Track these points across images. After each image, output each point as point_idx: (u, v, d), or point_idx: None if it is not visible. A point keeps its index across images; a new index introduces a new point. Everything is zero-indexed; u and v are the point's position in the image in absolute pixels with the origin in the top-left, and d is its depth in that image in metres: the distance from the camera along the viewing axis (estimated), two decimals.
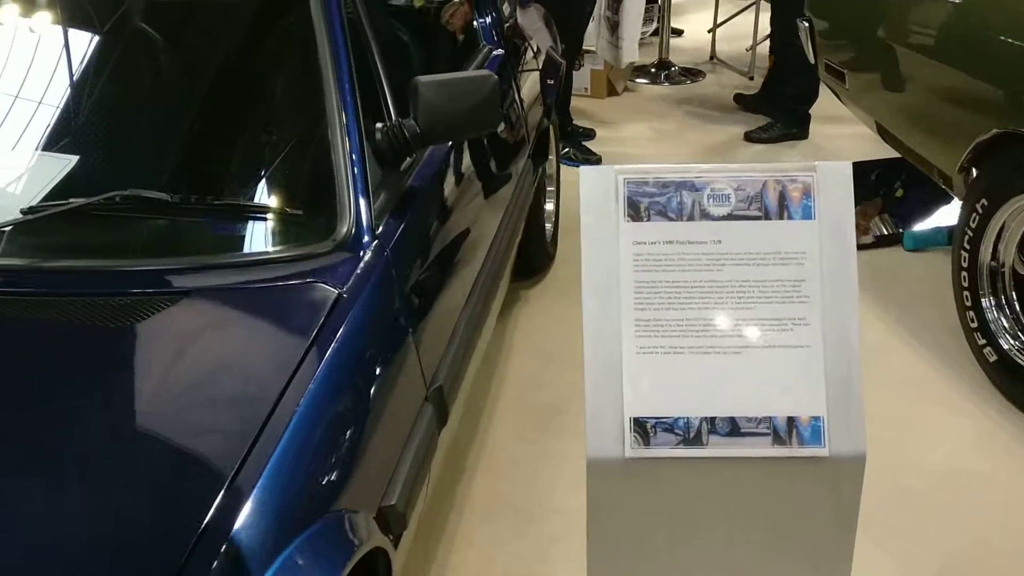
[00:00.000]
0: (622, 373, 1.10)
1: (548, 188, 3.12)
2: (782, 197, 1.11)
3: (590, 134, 4.38)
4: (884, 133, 3.06)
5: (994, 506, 2.13)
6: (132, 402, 1.19)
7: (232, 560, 1.01)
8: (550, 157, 2.97)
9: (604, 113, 4.82)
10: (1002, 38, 2.39)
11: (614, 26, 4.52)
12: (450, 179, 1.91)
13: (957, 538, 2.03)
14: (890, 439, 2.21)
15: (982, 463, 2.27)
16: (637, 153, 4.33)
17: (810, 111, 4.38)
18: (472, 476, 2.25)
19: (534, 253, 2.99)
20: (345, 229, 1.45)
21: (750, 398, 1.09)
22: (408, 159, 1.71)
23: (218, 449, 1.11)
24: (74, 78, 1.65)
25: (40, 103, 1.61)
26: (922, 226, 3.41)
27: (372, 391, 1.37)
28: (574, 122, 4.33)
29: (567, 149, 4.03)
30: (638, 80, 5.44)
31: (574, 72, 4.30)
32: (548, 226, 3.16)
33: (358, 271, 1.42)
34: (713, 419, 1.10)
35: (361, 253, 1.45)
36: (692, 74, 5.54)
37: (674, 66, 5.54)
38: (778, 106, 4.45)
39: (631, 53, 4.59)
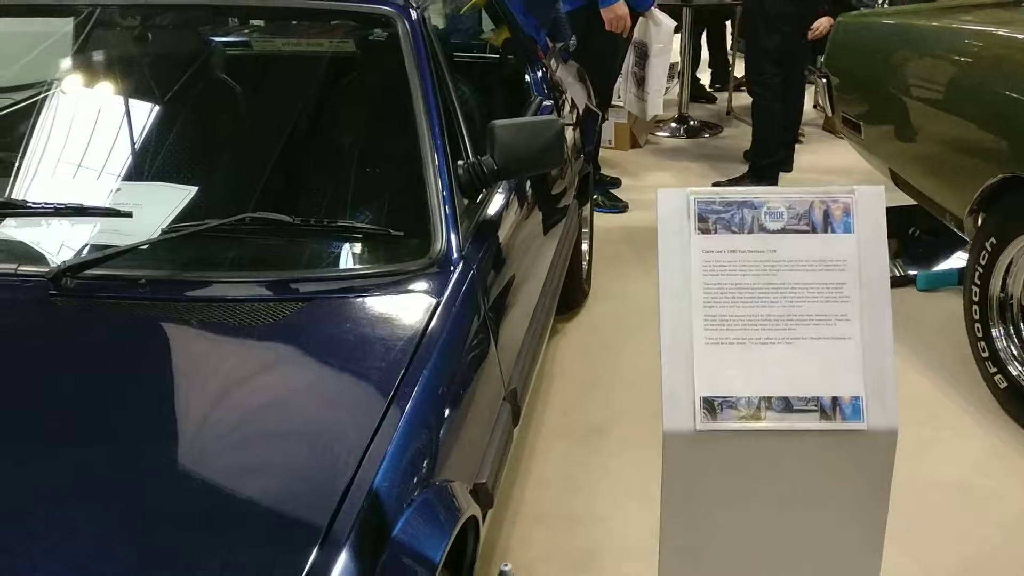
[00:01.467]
0: (693, 360, 1.32)
1: (583, 229, 3.37)
2: (826, 214, 1.33)
3: (616, 183, 4.64)
4: (898, 180, 3.31)
5: (1005, 518, 2.33)
6: (276, 388, 1.41)
7: (374, 510, 1.21)
8: (588, 200, 3.22)
9: (627, 164, 5.09)
10: (1005, 92, 2.64)
11: (640, 81, 4.82)
12: (516, 212, 2.15)
13: (971, 545, 2.23)
14: (909, 458, 2.41)
15: (993, 480, 2.47)
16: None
17: (784, 166, 4.66)
18: (524, 485, 2.45)
19: (571, 289, 3.21)
20: (439, 248, 1.68)
21: (800, 381, 1.31)
22: (483, 192, 1.94)
23: (352, 425, 1.32)
24: (210, 121, 1.89)
25: (174, 138, 1.85)
26: (934, 268, 3.64)
27: (466, 385, 1.58)
28: (601, 171, 4.59)
29: (596, 196, 4.28)
30: (659, 133, 5.74)
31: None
32: (583, 264, 3.40)
33: (450, 285, 1.65)
34: (770, 398, 1.31)
35: (452, 269, 1.68)
36: (710, 128, 5.83)
37: (693, 120, 5.83)
38: (750, 161, 4.74)
39: (656, 107, 4.88)
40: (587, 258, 3.45)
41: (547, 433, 2.69)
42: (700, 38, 6.45)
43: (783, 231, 1.34)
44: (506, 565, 1.78)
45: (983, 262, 2.74)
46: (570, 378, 2.98)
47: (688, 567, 1.44)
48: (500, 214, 2.01)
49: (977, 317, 2.78)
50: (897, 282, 3.59)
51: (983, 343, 2.77)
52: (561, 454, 2.59)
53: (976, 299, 2.77)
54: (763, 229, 1.34)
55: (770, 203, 1.34)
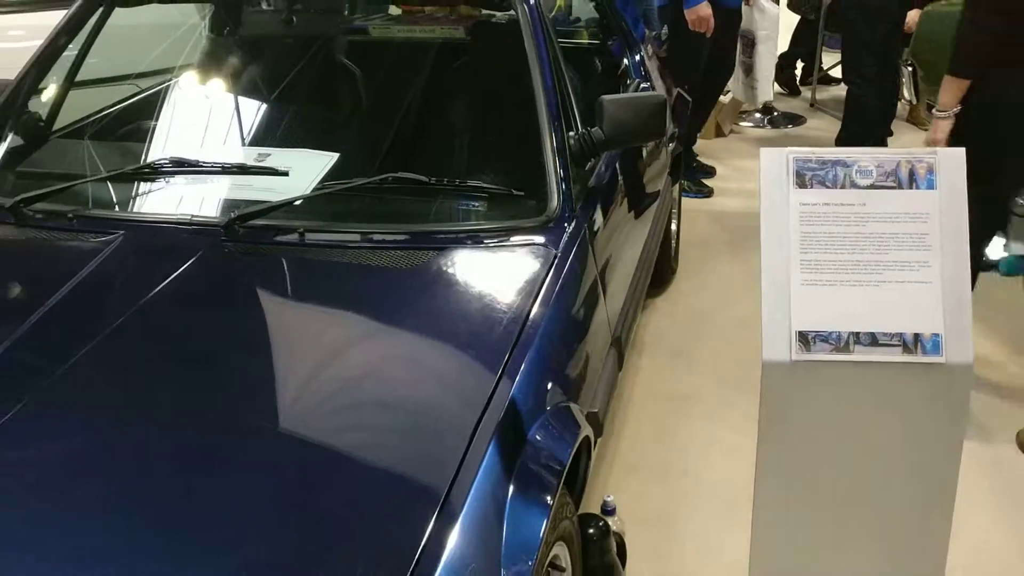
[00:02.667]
0: (790, 298, 1.50)
1: (672, 209, 3.54)
2: (912, 172, 1.50)
3: (711, 172, 4.78)
4: None
5: None
6: (423, 319, 1.63)
7: (511, 417, 1.42)
8: (680, 179, 3.39)
9: (712, 152, 5.23)
10: None
11: (748, 69, 4.95)
12: (620, 182, 2.34)
13: None
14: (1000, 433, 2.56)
15: None
16: (743, 188, 4.72)
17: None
18: (618, 440, 2.64)
19: (662, 265, 3.39)
20: (555, 206, 1.88)
21: (886, 319, 1.48)
22: (592, 160, 2.14)
23: (491, 348, 1.53)
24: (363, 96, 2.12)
25: (319, 109, 2.09)
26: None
27: (581, 325, 1.79)
28: (698, 158, 4.74)
29: (683, 181, 4.45)
30: (742, 123, 5.85)
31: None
32: (672, 243, 3.57)
33: (566, 237, 1.85)
34: (858, 333, 1.48)
35: (566, 225, 1.88)
36: (792, 119, 5.92)
37: (776, 111, 5.93)
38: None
39: (766, 93, 5.01)
40: (676, 237, 3.62)
41: (639, 396, 2.87)
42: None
43: (872, 187, 1.51)
44: (609, 496, 1.98)
45: None
46: (660, 347, 3.16)
47: (782, 490, 1.62)
48: (606, 183, 2.21)
49: None
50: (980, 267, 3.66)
51: None
52: (651, 415, 2.77)
53: None
54: (854, 185, 1.51)
55: (861, 162, 1.51)
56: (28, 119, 2.28)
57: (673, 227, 3.58)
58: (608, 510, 1.96)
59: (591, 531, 1.74)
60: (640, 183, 2.57)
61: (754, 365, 3.07)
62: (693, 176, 4.58)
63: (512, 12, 2.19)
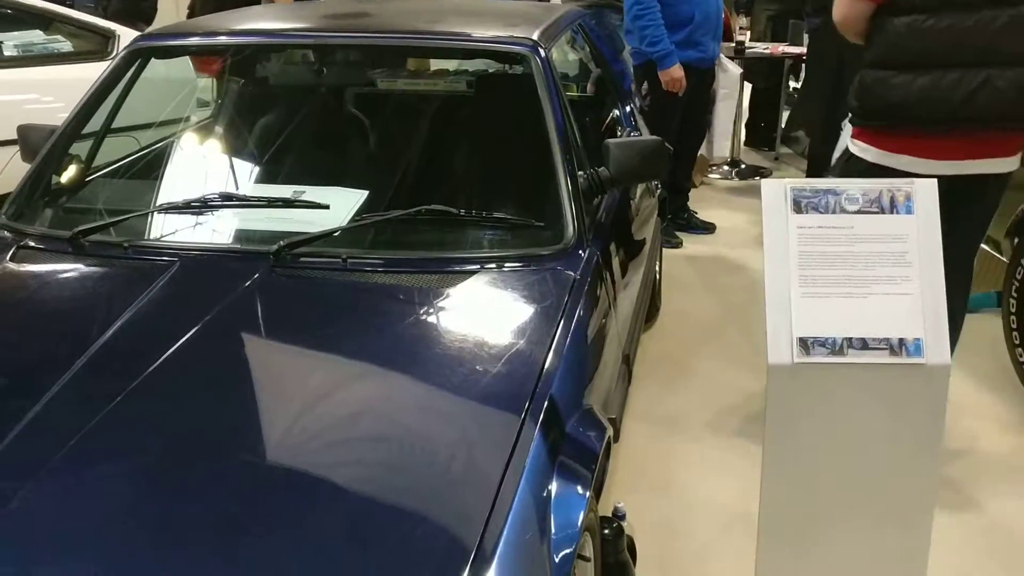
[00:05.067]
0: (791, 309, 1.71)
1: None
2: (892, 200, 1.74)
3: (709, 228, 5.00)
4: None
5: None
6: (460, 333, 1.82)
7: (552, 413, 1.61)
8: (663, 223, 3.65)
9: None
10: None
11: (707, 124, 5.27)
12: (622, 215, 2.57)
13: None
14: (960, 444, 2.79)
15: None
16: (715, 236, 5.00)
17: None
18: (615, 461, 2.83)
19: (650, 299, 3.61)
20: (571, 235, 2.09)
21: (874, 325, 1.70)
22: (598, 197, 2.36)
23: (528, 355, 1.73)
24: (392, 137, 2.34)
25: (352, 149, 2.29)
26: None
27: (598, 340, 1.99)
28: (696, 214, 5.01)
29: (687, 216, 4.82)
30: (711, 175, 6.16)
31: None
32: (655, 281, 3.80)
33: (582, 264, 2.06)
34: (850, 338, 1.70)
35: (581, 252, 2.09)
36: (758, 171, 6.25)
37: (743, 163, 6.26)
38: None
39: (721, 148, 5.32)
40: (658, 275, 3.85)
41: (633, 419, 3.07)
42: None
43: (859, 212, 1.74)
44: (620, 503, 2.16)
45: (1019, 278, 3.12)
46: (650, 377, 3.37)
47: (786, 484, 1.82)
48: (611, 217, 2.43)
49: (1015, 326, 3.14)
50: None
51: (1020, 349, 3.13)
52: (645, 437, 2.97)
53: (1014, 310, 3.14)
54: (843, 210, 1.74)
55: (849, 191, 1.75)
56: (75, 160, 2.46)
57: (655, 266, 3.81)
58: (619, 515, 2.14)
59: (607, 531, 1.92)
60: (639, 217, 2.80)
61: (733, 392, 3.32)
62: (691, 229, 4.89)
63: (520, 67, 2.44)
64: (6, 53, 4.95)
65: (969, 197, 2.50)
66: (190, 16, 6.75)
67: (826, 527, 1.84)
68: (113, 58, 5.01)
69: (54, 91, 4.77)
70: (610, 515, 2.03)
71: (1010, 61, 2.33)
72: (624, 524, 2.09)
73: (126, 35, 5.19)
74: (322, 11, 2.79)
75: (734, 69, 5.10)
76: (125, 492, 1.41)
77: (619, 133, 3.12)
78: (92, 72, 5.00)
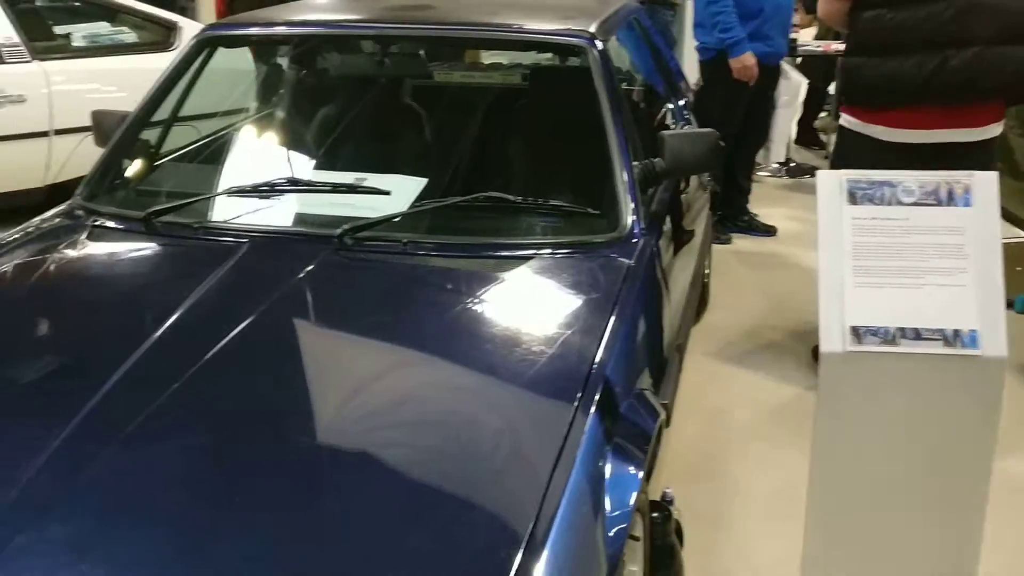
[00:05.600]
0: (844, 298, 1.74)
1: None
2: (950, 192, 1.75)
3: (771, 231, 4.94)
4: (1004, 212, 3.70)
5: None
6: (519, 316, 1.87)
7: (607, 395, 1.65)
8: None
9: None
10: None
11: (769, 124, 5.25)
12: (675, 206, 2.60)
13: None
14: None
15: None
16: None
17: None
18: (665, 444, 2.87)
19: (700, 294, 3.64)
20: (628, 223, 2.13)
21: (928, 316, 1.71)
22: (653, 188, 2.39)
23: (583, 337, 1.77)
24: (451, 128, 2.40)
25: (413, 137, 2.35)
26: None
27: (652, 327, 2.02)
28: (756, 217, 4.98)
29: (747, 219, 4.79)
30: (761, 173, 6.14)
31: None
32: (704, 277, 3.82)
33: (636, 252, 2.09)
34: (903, 328, 1.72)
35: (635, 241, 2.13)
36: (808, 170, 6.21)
37: (794, 162, 6.23)
38: None
39: (778, 154, 5.31)
40: (707, 271, 3.87)
41: (679, 409, 3.09)
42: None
43: (915, 204, 1.76)
44: (668, 488, 2.20)
45: None
46: (698, 369, 3.40)
47: (835, 475, 1.84)
48: (665, 208, 2.47)
49: None
50: None
51: None
52: (692, 427, 3.00)
53: None
54: (899, 202, 1.76)
55: (905, 183, 1.77)
56: (146, 145, 2.55)
57: (706, 260, 3.83)
58: (668, 499, 2.18)
59: (655, 515, 1.96)
60: (690, 211, 2.83)
61: (780, 385, 3.33)
62: (752, 232, 4.86)
63: (577, 58, 2.48)
64: (75, 44, 5.10)
65: (951, 167, 2.80)
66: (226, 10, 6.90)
67: (875, 518, 1.85)
68: (175, 49, 5.16)
69: (119, 80, 4.91)
70: (659, 499, 2.07)
71: (960, 44, 2.71)
72: (672, 509, 2.13)
73: (188, 26, 5.32)
74: (383, 3, 2.86)
75: (797, 77, 5.08)
76: (191, 464, 1.47)
77: (671, 126, 3.14)
78: (155, 62, 5.16)
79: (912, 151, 2.80)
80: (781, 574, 2.32)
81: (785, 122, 5.20)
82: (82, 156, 4.92)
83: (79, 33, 5.13)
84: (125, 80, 4.90)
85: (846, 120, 3.01)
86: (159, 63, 5.04)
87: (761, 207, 5.32)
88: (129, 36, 5.23)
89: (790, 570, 2.15)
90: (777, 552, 2.40)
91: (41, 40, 4.90)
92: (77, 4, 5.42)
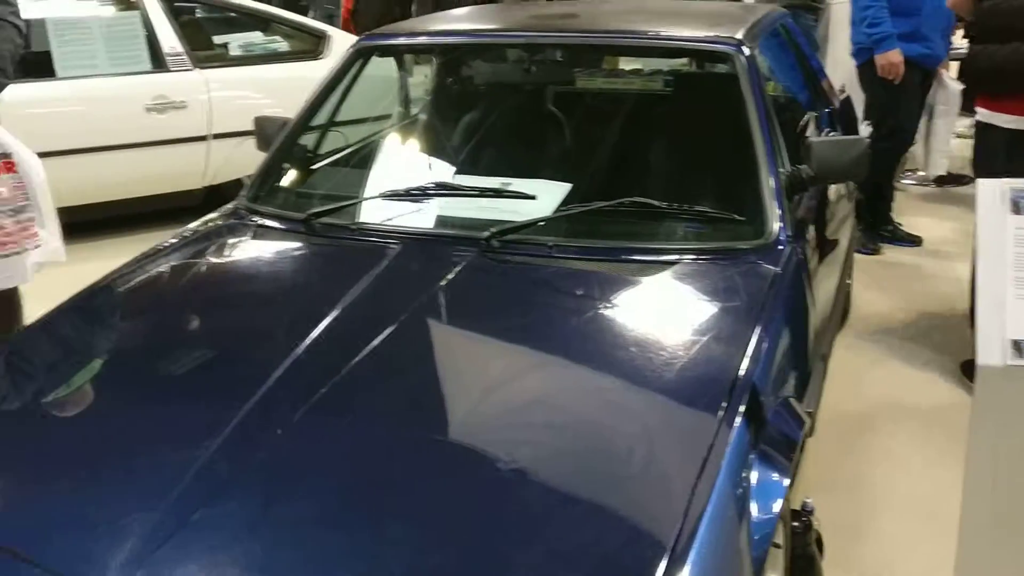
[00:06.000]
0: (1004, 310, 1.69)
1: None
2: None
3: (916, 241, 4.78)
4: None
5: None
6: (668, 316, 1.90)
7: (755, 401, 1.65)
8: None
9: None
10: None
11: (926, 136, 5.06)
12: (820, 214, 2.57)
13: None
14: None
15: None
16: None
17: None
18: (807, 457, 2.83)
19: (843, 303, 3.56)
20: (775, 230, 2.12)
21: None
22: (799, 196, 2.37)
23: (730, 340, 1.78)
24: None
25: (555, 143, 2.41)
26: None
27: (800, 332, 2.02)
28: (901, 226, 4.83)
29: (891, 229, 4.64)
30: (904, 182, 5.93)
31: None
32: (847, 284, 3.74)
33: (783, 258, 2.08)
34: None
35: (781, 248, 2.12)
36: (957, 179, 5.96)
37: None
38: None
39: (938, 166, 5.12)
40: (849, 280, 3.78)
41: (822, 420, 3.05)
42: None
43: None
44: (808, 498, 2.17)
45: None
46: (839, 377, 3.33)
47: (992, 492, 1.79)
48: (811, 215, 2.44)
49: None
50: None
51: None
52: (833, 436, 2.95)
53: None
54: None
55: None
56: (305, 150, 2.69)
57: (849, 269, 3.75)
58: (808, 509, 2.15)
59: (796, 524, 1.94)
60: (834, 219, 2.79)
61: (923, 396, 3.25)
62: (896, 242, 4.70)
63: (724, 65, 2.48)
64: (232, 53, 5.39)
65: None
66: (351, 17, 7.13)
67: None
68: (325, 57, 5.39)
69: (273, 87, 5.17)
70: (799, 508, 2.06)
71: None
72: (813, 519, 2.11)
73: (337, 36, 5.55)
74: (529, 12, 2.93)
75: (954, 85, 4.88)
76: (348, 454, 1.55)
77: (818, 133, 3.09)
78: (306, 71, 5.42)
79: None
80: None
81: (945, 132, 4.99)
82: (237, 160, 5.23)
83: (235, 42, 5.43)
84: (278, 87, 5.16)
85: (979, 112, 3.14)
86: (310, 71, 5.32)
87: (905, 216, 5.15)
88: (281, 45, 5.50)
89: None
90: (924, 565, 2.34)
91: (201, 49, 5.21)
92: (233, 15, 5.73)
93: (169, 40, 5.01)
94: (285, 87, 5.16)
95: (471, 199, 2.33)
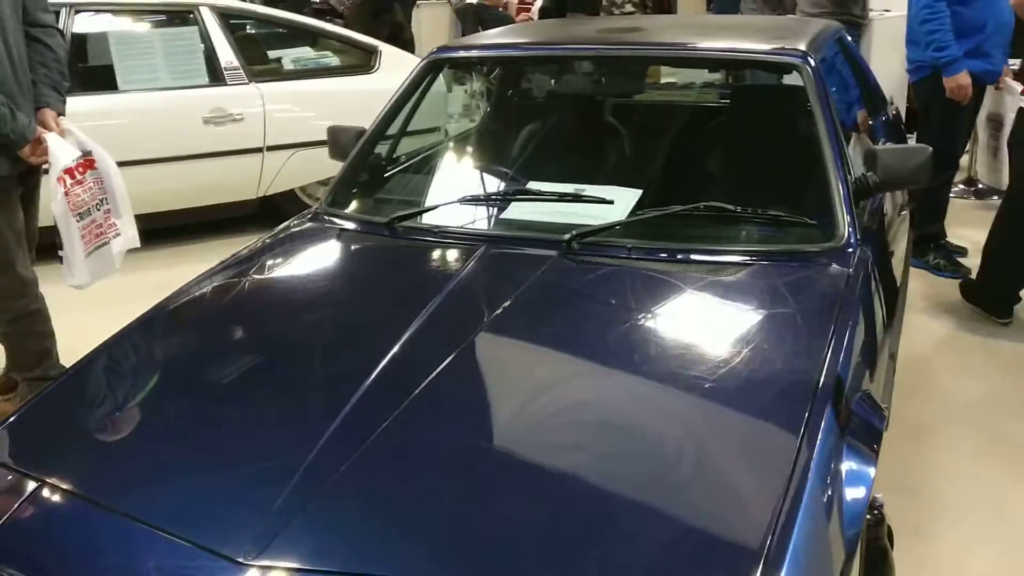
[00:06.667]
0: None
1: None
2: None
3: (962, 252, 4.78)
4: None
5: None
6: (749, 314, 1.98)
7: (839, 390, 1.73)
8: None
9: None
10: None
11: (995, 151, 5.02)
12: (883, 220, 2.64)
13: None
14: None
15: None
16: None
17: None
18: None
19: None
20: (845, 234, 2.20)
21: None
22: (865, 201, 2.45)
23: (813, 334, 1.86)
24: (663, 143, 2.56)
25: (631, 151, 2.50)
26: None
27: (872, 331, 2.09)
28: (947, 238, 4.80)
29: (938, 260, 4.60)
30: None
31: None
32: None
33: (855, 261, 2.16)
34: None
35: (851, 251, 2.19)
36: (997, 191, 5.99)
37: (980, 182, 6.04)
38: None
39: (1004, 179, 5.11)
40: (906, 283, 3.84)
41: None
42: None
43: None
44: (879, 494, 2.24)
45: None
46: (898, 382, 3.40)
47: None
48: (877, 221, 2.52)
49: None
50: None
51: None
52: (892, 441, 3.00)
53: None
54: None
55: None
56: (381, 158, 2.80)
57: (906, 277, 3.81)
58: (878, 504, 2.22)
59: (869, 517, 2.01)
60: (893, 225, 2.86)
61: (977, 405, 3.30)
62: (947, 253, 4.66)
63: (791, 75, 2.57)
64: (285, 67, 5.54)
65: None
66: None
67: None
68: (377, 71, 5.51)
69: (326, 101, 5.31)
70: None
71: None
72: (883, 512, 2.17)
73: (387, 51, 5.68)
74: (596, 25, 3.03)
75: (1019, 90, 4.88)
76: (441, 452, 1.61)
77: (878, 142, 3.17)
78: (358, 84, 5.55)
79: None
80: None
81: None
82: (290, 171, 5.36)
83: (288, 57, 5.58)
84: (332, 100, 5.30)
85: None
86: (362, 84, 5.45)
87: (950, 228, 5.20)
88: (332, 60, 5.63)
89: None
90: (992, 567, 2.40)
91: (256, 64, 5.36)
92: (282, 30, 5.87)
93: (226, 54, 5.16)
94: (338, 100, 5.30)
95: (549, 204, 2.43)
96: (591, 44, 2.80)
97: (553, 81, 3.18)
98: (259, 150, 5.19)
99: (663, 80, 3.11)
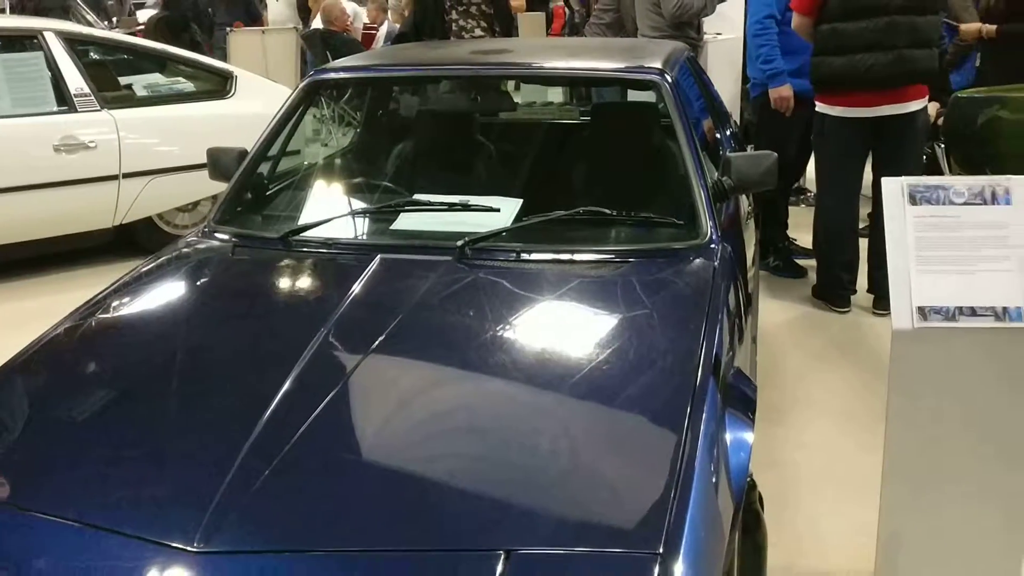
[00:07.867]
0: (910, 283, 2.06)
1: None
2: (993, 193, 2.09)
3: (810, 254, 5.00)
4: None
5: None
6: (630, 306, 2.19)
7: (717, 368, 1.96)
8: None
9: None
10: None
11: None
12: (737, 220, 2.94)
13: None
14: None
15: None
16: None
17: None
18: None
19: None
20: (708, 232, 2.46)
21: (981, 296, 2.04)
22: (721, 203, 2.73)
23: (689, 323, 2.08)
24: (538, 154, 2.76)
25: (509, 163, 2.69)
26: None
27: (738, 319, 2.34)
28: (795, 241, 5.18)
29: (777, 263, 5.00)
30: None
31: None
32: None
33: (719, 255, 2.42)
34: (961, 307, 2.05)
35: (714, 247, 2.45)
36: None
37: (809, 191, 6.59)
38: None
39: None
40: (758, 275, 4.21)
41: None
42: None
43: (965, 203, 2.09)
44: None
45: None
46: None
47: (910, 442, 2.14)
48: (732, 221, 2.81)
49: None
50: None
51: None
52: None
53: None
54: (951, 202, 2.10)
55: (956, 187, 2.11)
56: (265, 176, 2.88)
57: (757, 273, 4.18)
58: (749, 472, 2.48)
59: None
60: (747, 226, 3.18)
61: (823, 387, 3.65)
62: (784, 258, 5.05)
63: (651, 91, 2.84)
64: (138, 94, 5.45)
65: (892, 133, 4.16)
66: None
67: (950, 487, 2.14)
68: (232, 96, 5.50)
69: (181, 127, 5.26)
70: None
71: (887, 48, 3.98)
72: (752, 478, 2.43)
73: (242, 76, 5.68)
74: (469, 47, 3.21)
75: None
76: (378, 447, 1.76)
77: (724, 152, 3.49)
78: (213, 109, 5.52)
79: (864, 123, 4.15)
80: (852, 543, 2.62)
81: None
82: (148, 198, 5.27)
83: (141, 83, 5.49)
84: (188, 126, 5.26)
85: (819, 106, 4.27)
86: (219, 110, 5.42)
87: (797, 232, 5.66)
88: (187, 85, 5.59)
89: (862, 540, 2.46)
90: (847, 527, 2.69)
91: (108, 90, 5.26)
92: (128, 57, 5.77)
93: (75, 81, 5.04)
94: (194, 126, 5.27)
95: (438, 214, 2.58)
96: (468, 65, 2.99)
97: (431, 100, 3.35)
98: (115, 178, 5.09)
99: (535, 100, 3.33)
